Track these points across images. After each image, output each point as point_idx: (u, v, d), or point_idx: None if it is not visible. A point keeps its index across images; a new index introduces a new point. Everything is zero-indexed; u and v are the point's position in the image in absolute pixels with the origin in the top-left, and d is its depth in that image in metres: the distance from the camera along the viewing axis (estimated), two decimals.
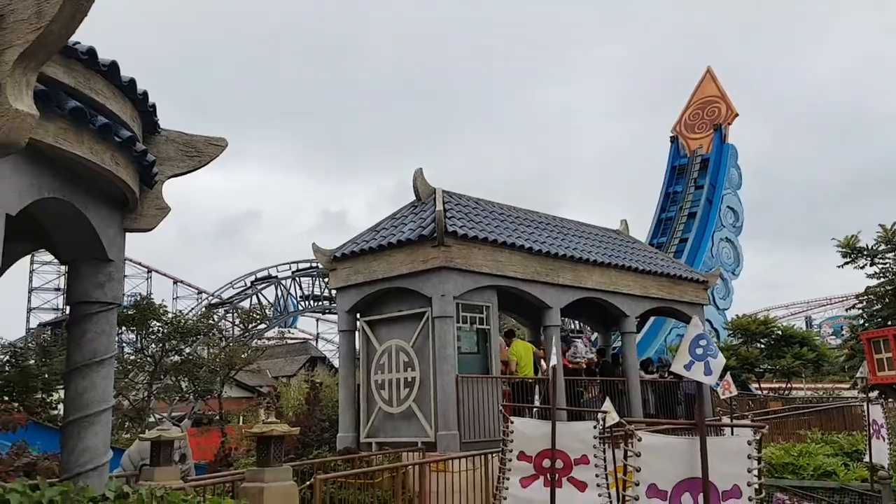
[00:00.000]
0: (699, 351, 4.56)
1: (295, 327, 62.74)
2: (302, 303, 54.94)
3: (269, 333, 50.97)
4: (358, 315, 13.40)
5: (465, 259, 11.97)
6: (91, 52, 4.37)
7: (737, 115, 46.96)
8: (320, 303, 55.43)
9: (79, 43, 4.28)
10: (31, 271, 55.79)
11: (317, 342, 65.72)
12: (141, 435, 7.79)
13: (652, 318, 30.27)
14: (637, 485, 4.47)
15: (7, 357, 16.49)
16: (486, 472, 9.99)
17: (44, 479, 3.93)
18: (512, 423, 5.91)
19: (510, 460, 5.82)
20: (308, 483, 8.23)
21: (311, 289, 54.77)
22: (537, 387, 12.84)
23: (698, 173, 47.45)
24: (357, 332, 13.49)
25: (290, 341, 58.22)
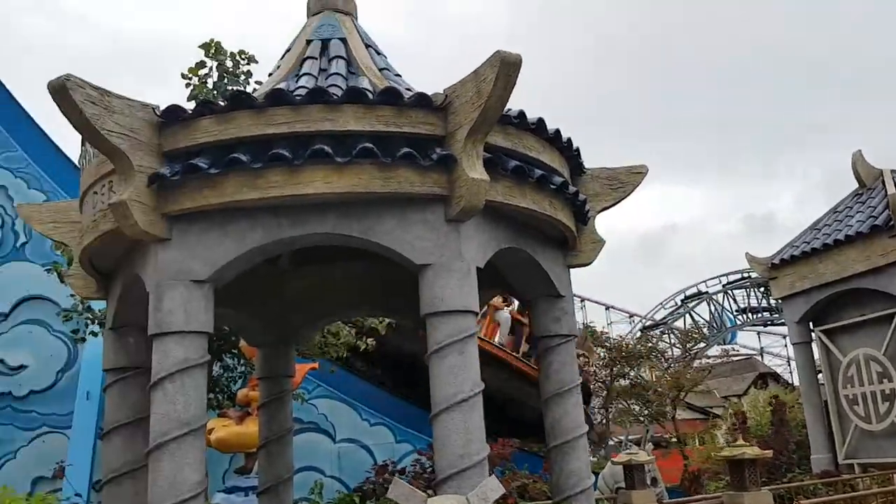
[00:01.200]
0: None
1: (735, 343, 59.66)
2: (739, 317, 52.09)
3: (710, 352, 49.30)
4: (811, 324, 12.20)
5: None
6: (521, 114, 4.91)
7: None
8: (759, 315, 51.88)
9: (510, 109, 4.84)
10: None
11: (762, 357, 61.37)
12: (613, 459, 8.18)
13: None
14: None
15: None
16: None
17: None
18: None
19: None
20: None
21: (746, 301, 51.71)
22: None
23: None
24: (813, 344, 12.26)
25: (734, 358, 55.47)
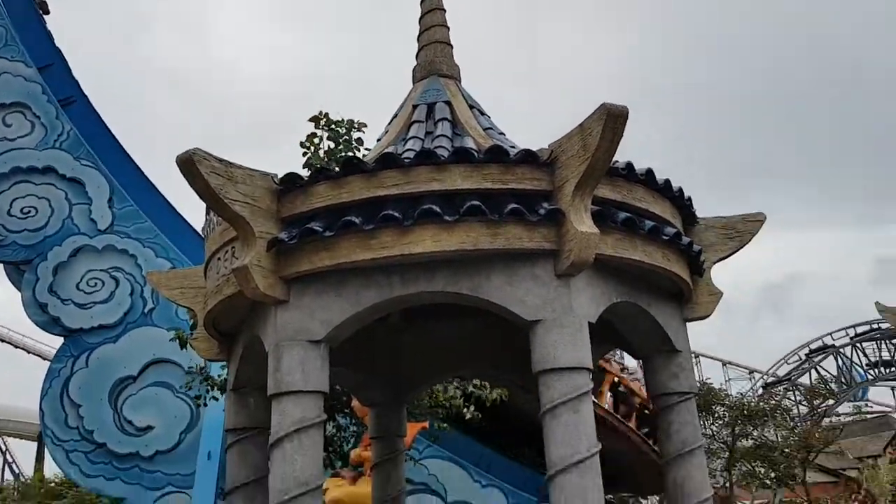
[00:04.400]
0: None
1: (867, 399, 55.28)
2: (870, 371, 48.43)
3: (841, 409, 45.88)
4: None
5: None
6: (629, 166, 4.85)
7: None
8: (892, 369, 48.02)
9: (617, 161, 4.78)
10: None
11: None
12: None
13: None
14: None
15: None
16: None
17: None
18: None
19: None
20: None
21: (877, 354, 48.09)
22: None
23: None
24: None
25: (867, 416, 51.33)
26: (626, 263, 4.80)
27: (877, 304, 11.85)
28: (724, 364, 62.38)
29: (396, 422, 6.70)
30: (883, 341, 46.29)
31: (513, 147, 5.05)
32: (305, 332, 4.56)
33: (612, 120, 4.11)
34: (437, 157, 4.60)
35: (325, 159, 12.21)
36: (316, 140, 12.63)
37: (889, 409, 57.16)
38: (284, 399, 4.47)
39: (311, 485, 4.32)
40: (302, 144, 12.61)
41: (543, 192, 4.56)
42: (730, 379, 60.50)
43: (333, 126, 12.69)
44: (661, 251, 4.97)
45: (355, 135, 12.73)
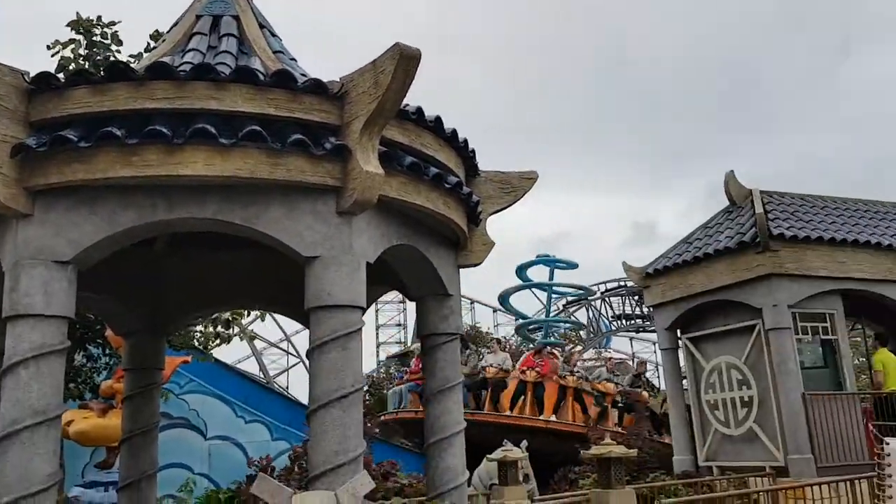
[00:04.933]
0: None
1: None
2: (614, 322, 54.53)
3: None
4: (678, 332, 12.85)
5: (798, 263, 10.85)
6: (419, 111, 4.85)
7: None
8: (632, 321, 54.49)
9: (408, 104, 4.77)
10: (377, 310, 63.28)
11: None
12: (488, 455, 8.28)
13: None
14: None
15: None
16: (853, 500, 8.81)
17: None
18: (887, 444, 5.15)
19: (890, 486, 5.06)
20: None
21: (621, 308, 54.18)
22: None
23: None
24: (680, 350, 12.93)
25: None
26: (409, 207, 4.84)
27: (623, 263, 13.41)
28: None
29: (153, 354, 6.31)
30: (627, 297, 52.15)
31: (303, 75, 4.83)
32: (50, 252, 4.08)
33: (405, 61, 4.06)
34: (217, 73, 4.26)
35: (85, 65, 10.87)
36: (71, 47, 11.16)
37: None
38: (21, 322, 3.99)
39: (49, 414, 3.94)
40: (50, 46, 11.09)
41: (331, 125, 4.43)
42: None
43: (93, 29, 11.32)
44: (442, 198, 5.07)
45: (113, 34, 11.44)
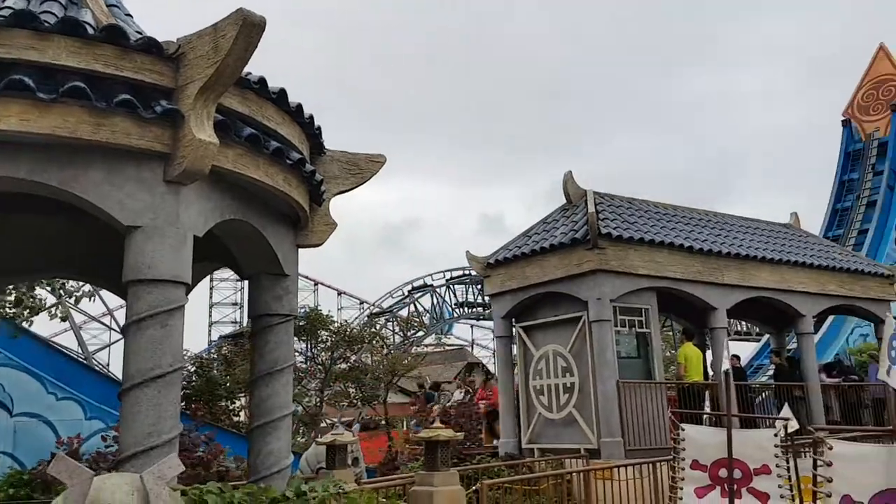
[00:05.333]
0: None
1: (451, 334, 63.94)
2: (457, 310, 55.93)
3: (428, 340, 52.21)
4: (513, 321, 13.41)
5: (621, 261, 11.66)
6: (262, 81, 4.69)
7: None
8: (474, 309, 56.16)
9: (251, 73, 4.60)
10: (211, 288, 60.86)
11: (472, 348, 66.48)
12: (317, 439, 8.22)
13: (831, 318, 27.91)
14: (829, 496, 4.13)
15: (194, 368, 18.02)
16: (654, 481, 9.63)
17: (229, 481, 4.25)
18: (683, 430, 5.66)
19: (683, 469, 5.57)
20: (474, 488, 8.32)
21: (465, 296, 55.65)
22: (707, 392, 12.22)
23: (876, 158, 43.36)
24: (513, 338, 13.51)
25: (447, 348, 59.36)
26: (246, 181, 4.68)
27: (467, 252, 13.80)
28: (339, 294, 66.35)
29: None
30: (471, 285, 53.68)
31: (139, 32, 4.53)
32: None
33: (247, 27, 3.91)
34: (40, 22, 3.90)
35: None
36: None
37: (466, 343, 66.90)
38: None
39: None
40: None
41: (164, 88, 4.18)
42: (342, 308, 64.71)
43: None
44: (283, 174, 4.95)
45: None
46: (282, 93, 4.87)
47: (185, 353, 7.93)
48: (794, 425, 5.92)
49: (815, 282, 14.36)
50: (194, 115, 4.08)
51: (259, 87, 4.67)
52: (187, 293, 4.29)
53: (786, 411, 6.20)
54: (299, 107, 5.10)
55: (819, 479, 4.19)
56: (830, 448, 4.15)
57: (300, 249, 5.71)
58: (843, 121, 45.94)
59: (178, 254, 4.12)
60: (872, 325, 17.27)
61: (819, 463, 4.20)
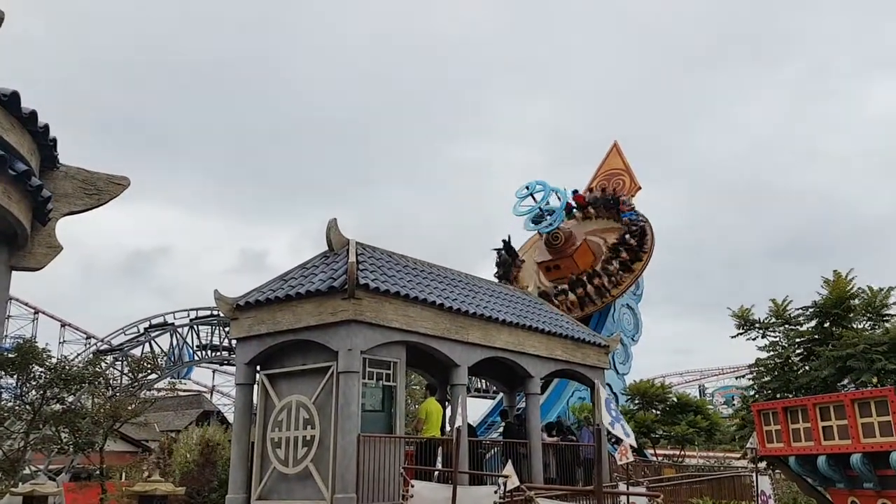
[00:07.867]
0: (614, 412, 4.64)
1: (189, 378, 59.90)
2: (199, 353, 52.70)
3: (160, 384, 48.46)
4: (258, 368, 12.92)
5: (376, 313, 11.81)
6: None
7: (639, 188, 49.18)
8: (218, 353, 53.33)
9: None
10: None
11: (212, 395, 62.83)
12: (13, 489, 7.14)
13: (555, 381, 30.70)
14: None
15: None
16: None
17: None
18: (412, 486, 5.77)
19: None
20: None
21: (209, 338, 52.74)
22: (440, 448, 12.65)
23: None
24: (256, 386, 12.97)
25: (182, 393, 55.50)
26: None
27: (215, 292, 12.96)
28: (63, 325, 59.23)
29: None
30: (218, 326, 50.89)
31: None
32: None
33: None
34: None
35: None
36: None
37: (205, 389, 62.96)
38: None
39: None
40: None
41: None
42: (64, 341, 57.79)
43: None
44: (2, 185, 4.34)
45: None
46: (14, 95, 4.32)
47: None
48: (514, 482, 6.32)
49: (545, 346, 15.70)
50: None
51: None
52: None
53: (508, 468, 6.61)
54: (33, 114, 4.55)
55: None
56: None
57: (15, 272, 5.02)
58: None
59: None
60: (589, 389, 19.21)
61: None
